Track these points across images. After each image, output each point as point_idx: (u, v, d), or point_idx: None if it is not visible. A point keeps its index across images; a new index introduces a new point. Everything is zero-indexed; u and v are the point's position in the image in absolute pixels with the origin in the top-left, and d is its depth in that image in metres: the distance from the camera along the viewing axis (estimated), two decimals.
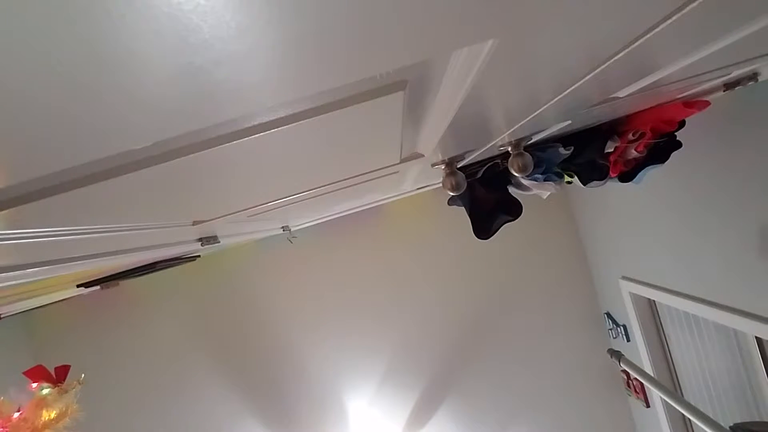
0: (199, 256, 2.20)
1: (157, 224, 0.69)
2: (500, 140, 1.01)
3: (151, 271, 1.52)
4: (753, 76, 1.12)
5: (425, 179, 1.56)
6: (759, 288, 1.63)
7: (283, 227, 2.03)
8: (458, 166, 1.13)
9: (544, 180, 1.53)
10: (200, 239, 1.14)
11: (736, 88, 1.19)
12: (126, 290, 2.93)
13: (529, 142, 1.18)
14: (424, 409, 3.10)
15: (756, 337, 1.94)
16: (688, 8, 0.38)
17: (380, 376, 3.09)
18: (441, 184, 1.17)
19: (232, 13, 0.19)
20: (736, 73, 1.02)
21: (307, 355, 3.06)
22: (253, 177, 0.60)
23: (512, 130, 0.88)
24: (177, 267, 2.48)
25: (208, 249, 1.79)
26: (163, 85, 0.24)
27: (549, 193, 1.59)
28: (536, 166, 1.35)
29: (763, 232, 1.56)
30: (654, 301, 2.57)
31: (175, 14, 0.18)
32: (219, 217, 0.83)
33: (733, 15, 0.50)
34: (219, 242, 1.27)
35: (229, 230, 1.20)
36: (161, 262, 1.54)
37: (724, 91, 1.25)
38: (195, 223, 0.80)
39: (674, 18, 0.40)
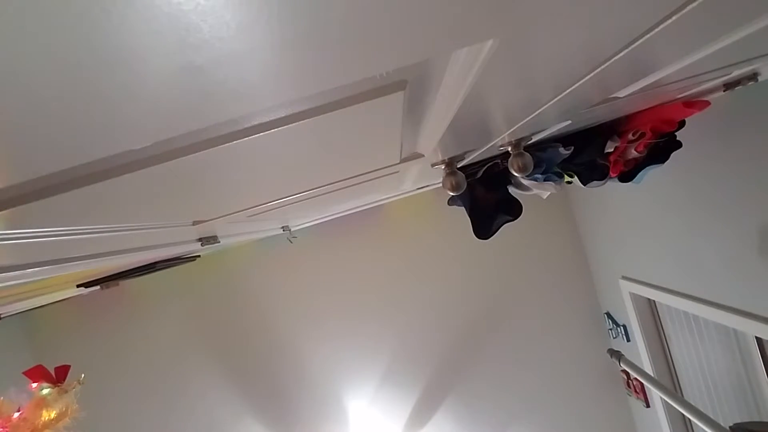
0: (199, 256, 2.20)
1: (157, 224, 0.69)
2: (500, 140, 1.01)
3: (151, 271, 1.52)
4: (753, 76, 1.12)
5: (425, 179, 1.56)
6: (759, 288, 1.63)
7: (283, 227, 2.03)
8: (458, 166, 1.13)
9: (544, 180, 1.53)
10: (200, 239, 1.14)
11: (736, 88, 1.19)
12: (126, 290, 2.93)
13: (529, 142, 1.18)
14: (424, 409, 3.10)
15: (756, 337, 1.94)
16: (688, 8, 0.38)
17: (380, 376, 3.09)
18: (441, 184, 1.17)
19: (231, 13, 0.19)
20: (736, 73, 1.02)
21: (307, 355, 3.06)
22: (253, 177, 0.60)
23: (512, 130, 0.88)
24: (177, 267, 2.48)
25: (208, 249, 1.79)
26: (163, 85, 0.24)
27: (549, 193, 1.59)
28: (536, 166, 1.36)
29: (763, 232, 1.56)
30: (654, 301, 2.57)
31: (175, 14, 0.18)
32: (219, 217, 0.83)
33: (733, 15, 0.50)
34: (219, 242, 1.27)
35: (229, 230, 1.20)
36: (161, 262, 1.54)
37: (724, 91, 1.25)
38: (195, 223, 0.80)
39: (674, 18, 0.40)
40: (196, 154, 0.39)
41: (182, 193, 0.55)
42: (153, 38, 0.19)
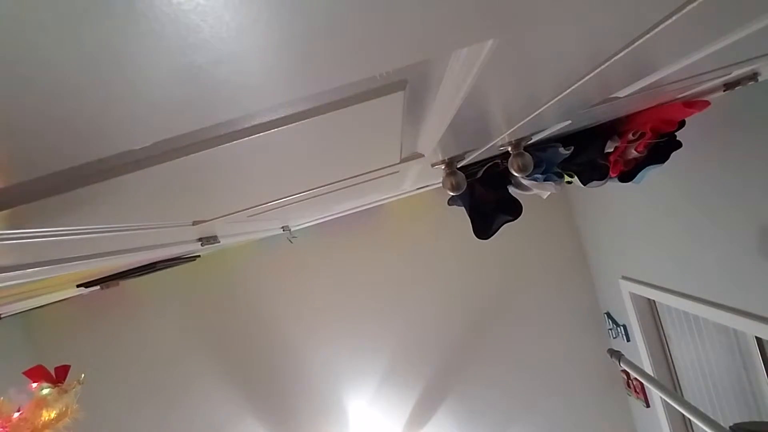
0: (199, 256, 2.21)
1: (157, 224, 0.69)
2: (500, 140, 1.01)
3: (151, 271, 1.52)
4: (753, 76, 1.12)
5: (425, 179, 1.56)
6: (759, 288, 1.63)
7: (283, 227, 2.03)
8: (458, 166, 1.13)
9: (544, 180, 1.53)
10: (200, 239, 1.14)
11: (736, 88, 1.19)
12: (126, 290, 2.93)
13: (529, 142, 1.18)
14: (424, 409, 3.10)
15: (756, 337, 1.95)
16: (688, 8, 0.38)
17: (380, 377, 3.09)
18: (441, 184, 1.17)
19: (232, 13, 0.19)
20: (736, 73, 1.02)
21: (307, 355, 3.06)
22: (253, 177, 0.60)
23: (512, 130, 0.88)
24: (177, 267, 2.49)
25: (208, 249, 1.80)
26: (163, 85, 0.24)
27: (549, 193, 1.59)
28: (536, 166, 1.36)
29: (762, 232, 1.56)
30: (654, 301, 2.57)
31: (176, 14, 0.18)
32: (219, 217, 0.83)
33: (733, 15, 0.50)
34: (219, 242, 1.27)
35: (229, 230, 1.20)
36: (161, 262, 1.54)
37: (724, 91, 1.25)
38: (195, 223, 0.80)
39: (674, 18, 0.40)
40: (196, 154, 0.39)
41: (182, 193, 0.55)
42: (154, 38, 0.19)
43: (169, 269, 2.19)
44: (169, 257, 1.50)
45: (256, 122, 0.38)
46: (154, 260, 1.42)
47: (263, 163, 0.53)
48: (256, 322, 3.06)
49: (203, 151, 0.39)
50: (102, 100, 0.23)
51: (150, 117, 0.27)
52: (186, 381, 3.00)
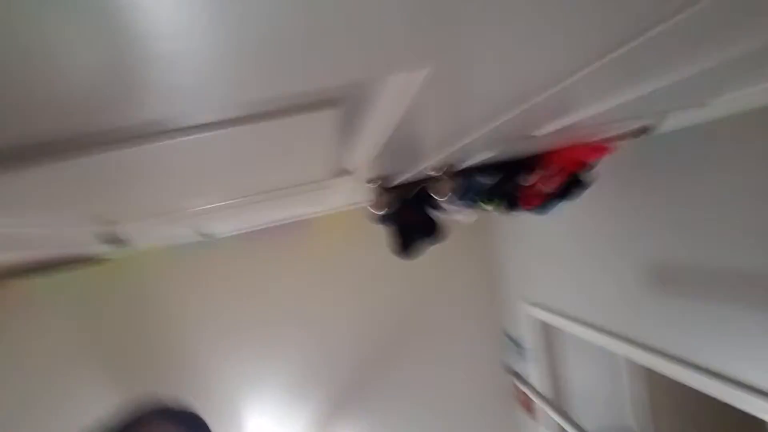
0: (105, 259, 2.03)
1: (57, 222, 0.63)
2: (428, 165, 1.05)
3: (46, 272, 1.38)
4: (645, 130, 1.27)
5: (355, 196, 1.57)
6: (643, 317, 1.82)
7: (200, 234, 1.93)
8: (388, 187, 1.15)
9: (464, 206, 1.61)
10: (106, 240, 1.05)
11: (641, 136, 1.34)
12: (14, 291, 2.61)
13: (454, 169, 1.23)
14: (325, 426, 3.06)
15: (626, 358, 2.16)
16: (607, 57, 0.43)
17: (283, 394, 3.02)
18: (370, 203, 1.18)
19: (169, 13, 0.19)
20: (638, 124, 1.15)
21: (211, 370, 2.91)
22: (171, 181, 0.57)
23: (439, 157, 0.92)
24: (82, 270, 2.27)
25: (119, 251, 1.66)
26: (89, 78, 0.22)
27: (470, 218, 1.67)
28: (460, 191, 1.42)
29: (651, 268, 1.74)
30: (550, 324, 2.77)
31: (110, 10, 0.17)
32: (130, 220, 0.78)
33: (636, 74, 0.56)
34: (127, 245, 1.18)
35: (141, 233, 1.12)
36: (57, 261, 1.39)
37: (630, 138, 1.41)
38: (101, 223, 0.74)
39: (594, 66, 0.45)
40: (113, 151, 0.37)
41: (90, 190, 0.51)
42: (88, 33, 0.18)
43: (73, 271, 1.99)
44: (66, 257, 1.37)
45: (181, 125, 0.37)
46: (48, 259, 1.29)
47: (182, 167, 0.51)
48: (162, 331, 2.85)
49: (121, 150, 0.37)
50: (20, 87, 0.21)
51: (70, 108, 0.26)
52: (67, 395, 2.71)
